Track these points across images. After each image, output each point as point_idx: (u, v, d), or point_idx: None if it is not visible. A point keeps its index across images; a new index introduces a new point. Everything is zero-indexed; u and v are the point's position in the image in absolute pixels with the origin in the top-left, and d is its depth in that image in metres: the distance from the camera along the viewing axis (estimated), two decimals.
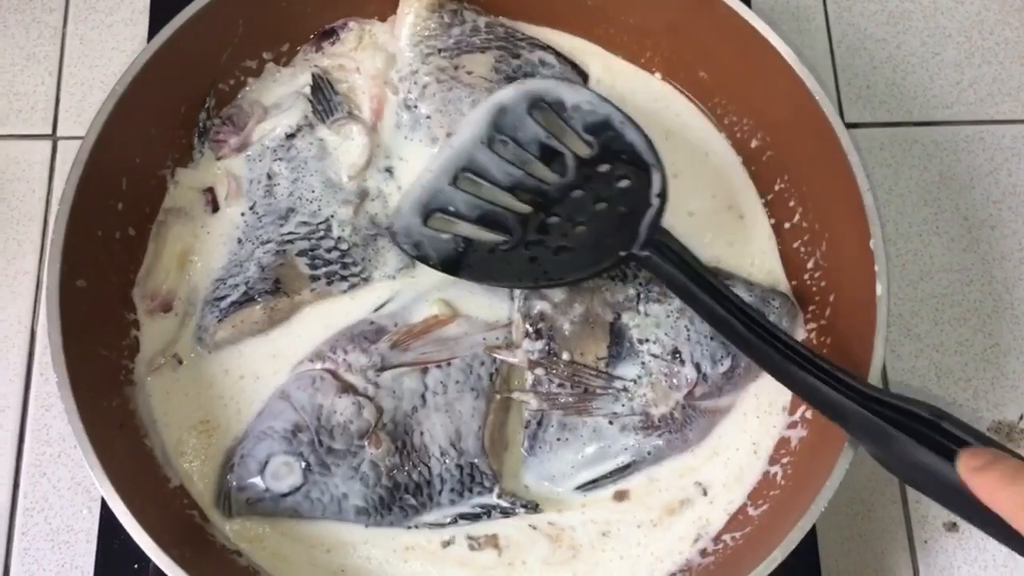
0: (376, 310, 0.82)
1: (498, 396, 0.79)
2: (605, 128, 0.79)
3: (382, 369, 0.77)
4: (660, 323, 0.79)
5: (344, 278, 0.81)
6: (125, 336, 0.79)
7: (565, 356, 0.78)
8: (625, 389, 0.78)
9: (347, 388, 0.77)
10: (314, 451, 0.75)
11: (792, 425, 0.80)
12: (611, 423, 0.78)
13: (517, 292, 0.81)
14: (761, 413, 0.81)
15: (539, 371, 0.78)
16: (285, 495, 0.75)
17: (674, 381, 0.78)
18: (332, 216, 0.83)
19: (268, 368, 0.80)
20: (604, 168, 0.78)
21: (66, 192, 0.74)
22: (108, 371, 0.76)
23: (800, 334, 0.82)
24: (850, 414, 0.67)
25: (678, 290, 0.73)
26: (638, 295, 0.80)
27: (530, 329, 0.79)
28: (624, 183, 0.77)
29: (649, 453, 0.78)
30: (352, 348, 0.78)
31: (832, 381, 0.68)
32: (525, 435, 0.78)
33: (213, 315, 0.80)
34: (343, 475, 0.75)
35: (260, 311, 0.79)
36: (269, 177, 0.84)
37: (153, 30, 0.99)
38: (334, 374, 0.77)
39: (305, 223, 0.82)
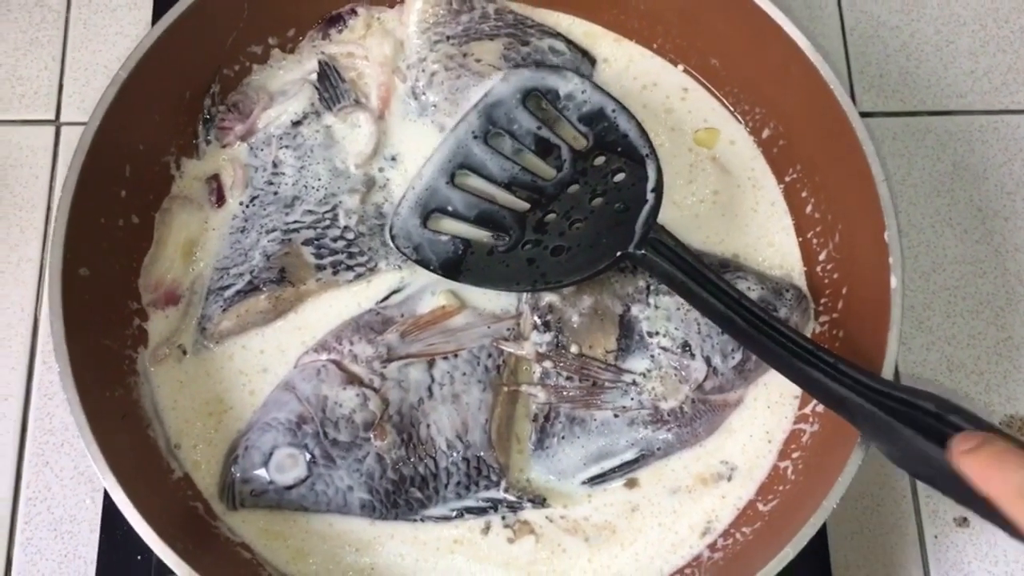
0: (382, 300, 0.81)
1: (505, 389, 0.78)
2: (599, 118, 0.78)
3: (388, 360, 0.77)
4: (670, 316, 0.78)
5: (350, 268, 0.80)
6: (128, 325, 0.79)
7: (574, 349, 0.77)
8: (634, 383, 0.77)
9: (352, 379, 0.76)
10: (319, 443, 0.74)
11: (803, 419, 0.79)
12: (618, 416, 0.77)
13: None
14: (772, 403, 0.81)
15: (547, 364, 0.77)
16: (290, 487, 0.74)
17: (683, 375, 0.77)
18: (339, 205, 0.82)
19: (273, 359, 0.79)
20: (599, 161, 0.77)
21: (68, 179, 0.73)
22: (111, 361, 0.76)
23: (812, 327, 0.81)
24: (855, 408, 0.66)
25: (677, 287, 0.72)
26: (648, 287, 0.79)
27: (538, 321, 0.78)
28: (620, 176, 0.76)
29: (659, 448, 0.78)
30: (358, 339, 0.77)
31: (837, 374, 0.67)
32: (533, 429, 0.78)
33: (217, 305, 0.79)
34: (348, 468, 0.74)
35: (265, 301, 0.78)
36: (275, 165, 0.83)
37: (157, 14, 0.98)
38: (339, 365, 0.77)
39: (311, 212, 0.81)
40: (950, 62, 1.01)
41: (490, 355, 0.78)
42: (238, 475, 0.75)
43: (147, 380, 0.78)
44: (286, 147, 0.83)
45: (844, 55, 1.01)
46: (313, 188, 0.82)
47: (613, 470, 0.78)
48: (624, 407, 0.77)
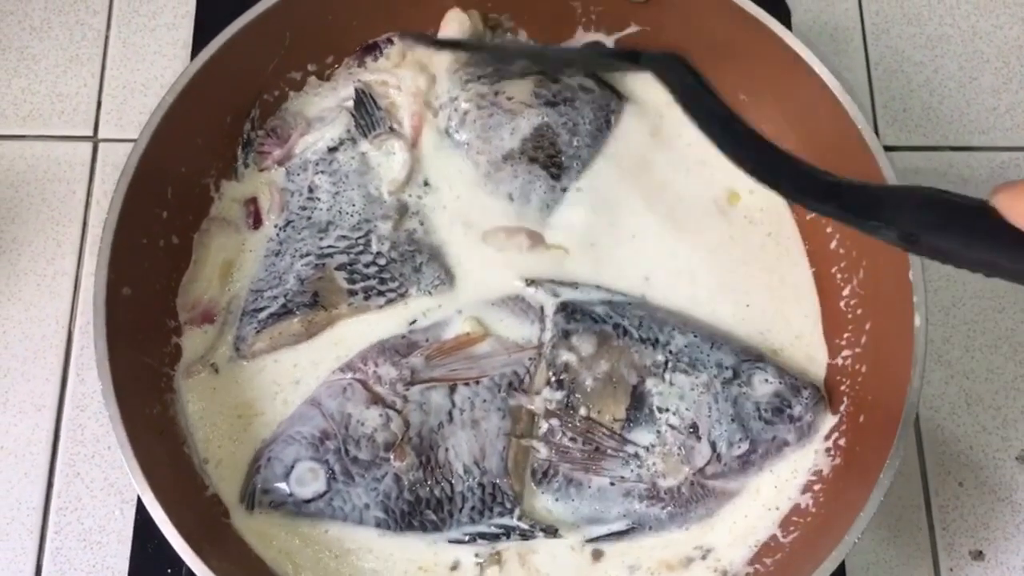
0: (410, 326, 0.82)
1: (516, 439, 0.78)
2: None
3: (411, 383, 0.78)
4: (683, 395, 0.78)
5: (381, 293, 0.82)
6: (166, 343, 0.80)
7: (583, 411, 0.78)
8: (636, 455, 0.77)
9: (376, 399, 0.77)
10: (339, 459, 0.75)
11: (826, 452, 0.79)
12: (614, 485, 0.77)
13: (548, 324, 0.81)
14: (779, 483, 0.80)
15: (554, 421, 0.78)
16: (308, 501, 0.75)
17: (686, 455, 0.77)
18: (372, 231, 0.83)
19: (302, 379, 0.80)
20: None
21: (114, 200, 0.74)
22: (150, 378, 0.77)
23: (836, 360, 0.82)
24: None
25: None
26: (666, 362, 0.79)
27: (552, 378, 0.79)
28: None
29: (650, 526, 0.77)
30: (383, 361, 0.79)
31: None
32: (530, 482, 0.78)
33: (251, 326, 0.80)
34: (366, 486, 0.75)
35: (298, 324, 0.80)
36: (311, 190, 0.84)
37: (198, 35, 1.00)
38: (364, 384, 0.78)
39: (344, 237, 0.83)
40: (973, 98, 1.02)
41: (510, 383, 0.79)
42: (259, 484, 0.76)
43: (182, 397, 0.79)
44: (322, 172, 0.85)
45: (868, 89, 1.02)
46: (347, 213, 0.84)
47: (603, 536, 0.77)
48: (622, 477, 0.77)
